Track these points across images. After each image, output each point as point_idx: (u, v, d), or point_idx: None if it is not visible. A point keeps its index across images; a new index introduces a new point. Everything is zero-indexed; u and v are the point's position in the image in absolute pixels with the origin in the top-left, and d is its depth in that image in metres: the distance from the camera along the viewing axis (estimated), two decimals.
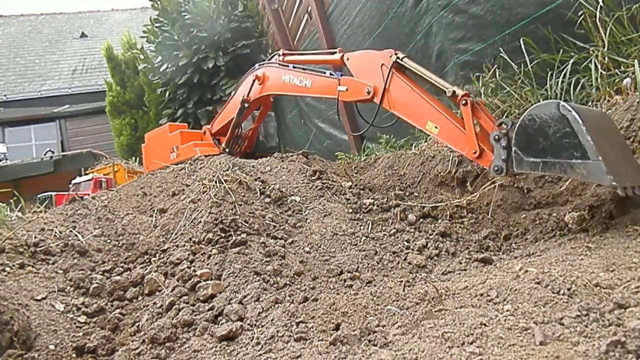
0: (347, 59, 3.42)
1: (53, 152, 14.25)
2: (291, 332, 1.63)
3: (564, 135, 2.02)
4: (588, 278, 1.50)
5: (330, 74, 3.57)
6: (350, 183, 3.40)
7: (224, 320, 1.86)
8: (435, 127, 2.71)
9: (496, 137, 2.38)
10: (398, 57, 2.95)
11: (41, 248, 2.47)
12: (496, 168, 2.40)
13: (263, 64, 4.44)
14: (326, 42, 7.05)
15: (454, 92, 2.63)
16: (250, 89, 4.44)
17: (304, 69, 3.87)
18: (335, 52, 3.62)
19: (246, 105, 4.53)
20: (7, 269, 2.19)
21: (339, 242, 2.55)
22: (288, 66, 4.05)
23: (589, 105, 2.89)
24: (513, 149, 2.26)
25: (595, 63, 2.85)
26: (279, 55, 4.35)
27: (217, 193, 2.81)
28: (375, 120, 3.35)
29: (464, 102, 2.54)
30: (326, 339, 1.52)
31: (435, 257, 2.43)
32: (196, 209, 2.81)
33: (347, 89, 3.34)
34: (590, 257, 1.74)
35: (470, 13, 4.18)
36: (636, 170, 2.08)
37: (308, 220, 2.80)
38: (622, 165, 2.04)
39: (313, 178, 3.37)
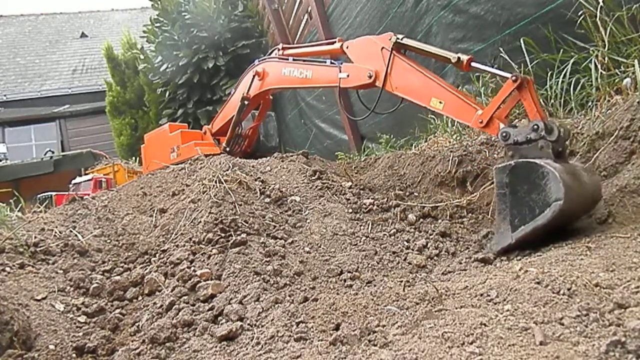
0: (347, 47, 3.41)
1: (53, 152, 14.24)
2: (291, 332, 1.63)
3: (534, 201, 2.07)
4: (588, 278, 1.50)
5: (331, 62, 3.56)
6: (350, 183, 3.40)
7: (224, 320, 1.86)
8: (440, 102, 2.69)
9: (535, 126, 2.20)
10: (398, 38, 2.95)
11: (41, 248, 2.46)
12: (504, 134, 2.30)
13: (262, 60, 4.41)
14: None
15: (459, 58, 2.61)
16: (250, 85, 4.40)
17: (304, 61, 3.87)
18: (335, 42, 3.62)
19: (246, 102, 4.50)
20: (7, 269, 2.19)
21: (339, 242, 2.55)
22: (288, 59, 4.03)
23: (589, 105, 2.89)
24: (521, 151, 2.23)
25: (595, 63, 2.85)
26: (279, 50, 4.32)
27: (217, 193, 2.81)
28: (375, 110, 3.34)
29: (514, 78, 2.32)
30: (326, 339, 1.52)
31: (435, 257, 2.43)
32: (196, 209, 2.80)
33: (348, 75, 3.32)
34: (590, 257, 1.74)
35: (470, 13, 4.18)
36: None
37: (308, 220, 2.80)
38: (520, 246, 2.18)
39: (313, 178, 3.37)
